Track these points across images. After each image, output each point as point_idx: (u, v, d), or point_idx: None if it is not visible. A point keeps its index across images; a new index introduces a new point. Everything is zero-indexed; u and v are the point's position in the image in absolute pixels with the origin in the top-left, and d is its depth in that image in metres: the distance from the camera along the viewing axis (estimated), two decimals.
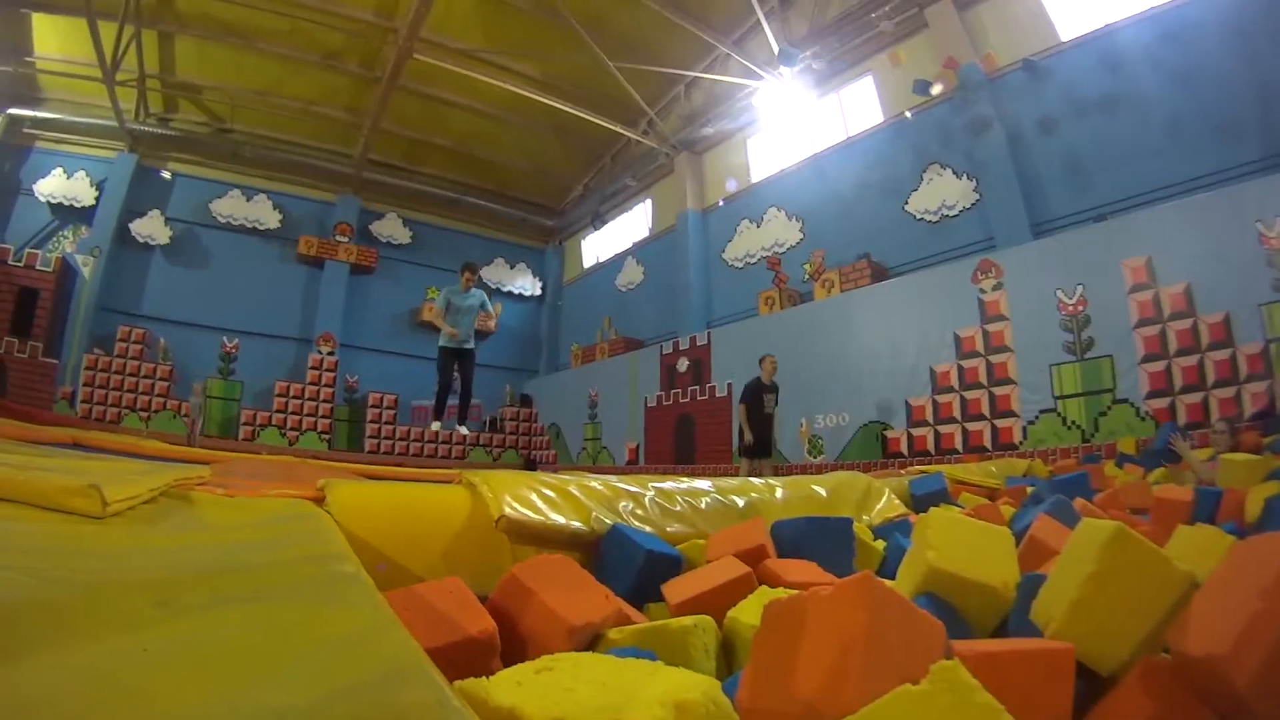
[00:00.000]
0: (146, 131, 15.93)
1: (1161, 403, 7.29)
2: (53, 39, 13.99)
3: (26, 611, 0.75)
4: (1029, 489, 4.69)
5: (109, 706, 0.50)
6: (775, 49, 11.90)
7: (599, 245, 20.03)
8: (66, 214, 15.47)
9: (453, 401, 9.58)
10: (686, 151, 15.97)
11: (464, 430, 10.16)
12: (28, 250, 14.16)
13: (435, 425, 9.52)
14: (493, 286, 20.42)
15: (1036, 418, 8.31)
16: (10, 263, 13.69)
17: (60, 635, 0.66)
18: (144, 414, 14.72)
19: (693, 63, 14.23)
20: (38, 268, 13.96)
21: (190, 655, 0.64)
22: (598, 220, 18.67)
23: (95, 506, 1.27)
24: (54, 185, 15.39)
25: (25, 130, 15.35)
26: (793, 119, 13.57)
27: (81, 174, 15.62)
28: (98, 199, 15.61)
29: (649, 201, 18.05)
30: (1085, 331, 7.97)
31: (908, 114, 11.28)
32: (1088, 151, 9.13)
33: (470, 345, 9.07)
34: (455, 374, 9.12)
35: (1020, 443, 8.38)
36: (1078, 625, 1.23)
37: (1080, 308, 8.04)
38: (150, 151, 16.37)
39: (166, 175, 16.47)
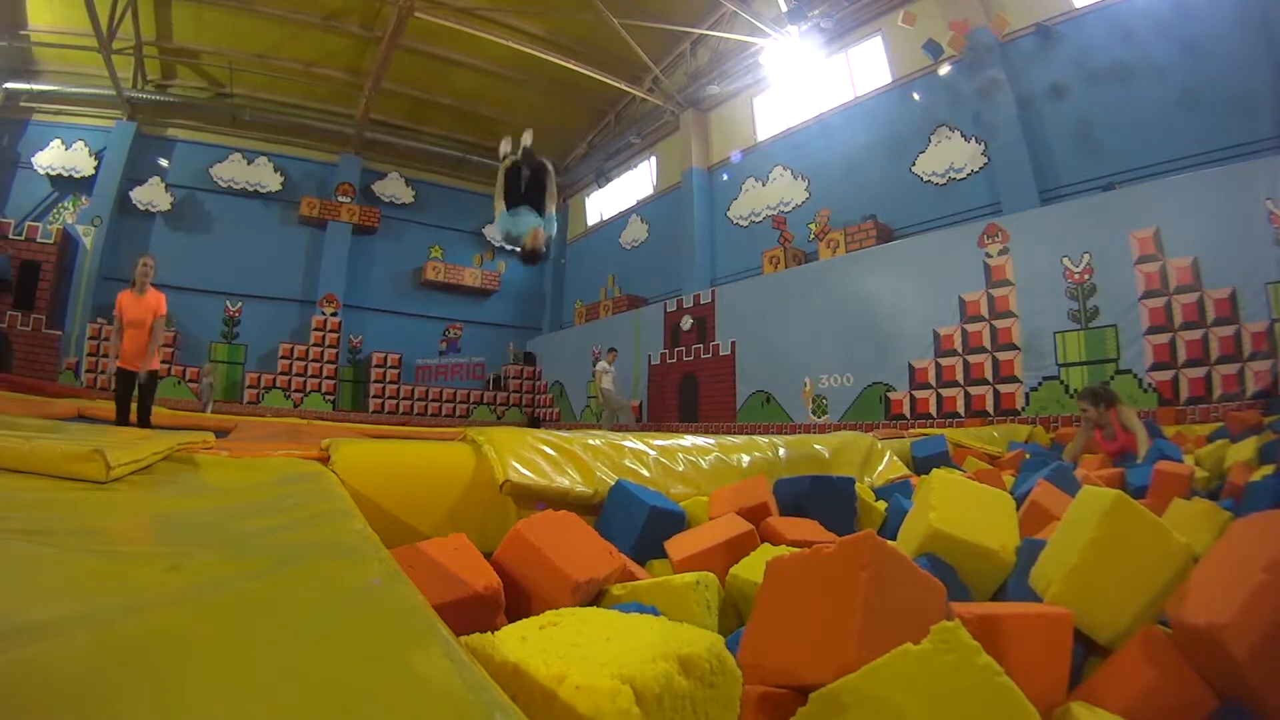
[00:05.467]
0: (145, 99, 15.67)
1: (1164, 375, 7.26)
2: (46, 11, 13.65)
3: (43, 581, 0.76)
4: (1028, 455, 4.71)
5: (128, 671, 0.50)
6: (783, 6, 11.65)
7: (603, 203, 19.83)
8: (66, 185, 15.33)
9: None
10: (692, 109, 15.73)
11: None
12: (28, 223, 14.08)
13: None
14: (496, 245, 20.33)
15: (1039, 384, 8.30)
16: (11, 236, 13.63)
17: (76, 604, 0.67)
18: None
19: (699, 19, 13.91)
20: (39, 240, 13.91)
21: (203, 619, 0.65)
22: (602, 178, 18.48)
23: (99, 471, 1.27)
24: (52, 157, 15.21)
25: (22, 104, 15.12)
26: (800, 78, 13.31)
27: (80, 144, 15.43)
28: (97, 169, 15.44)
29: (653, 159, 17.82)
30: (1090, 300, 7.92)
31: (916, 96, 11.10)
32: (1098, 119, 8.97)
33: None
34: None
35: (1022, 409, 8.38)
36: (1076, 591, 1.24)
37: (1086, 276, 7.97)
38: (149, 119, 16.15)
39: (164, 163, 16.33)
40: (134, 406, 6.34)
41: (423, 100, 17.29)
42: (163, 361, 14.71)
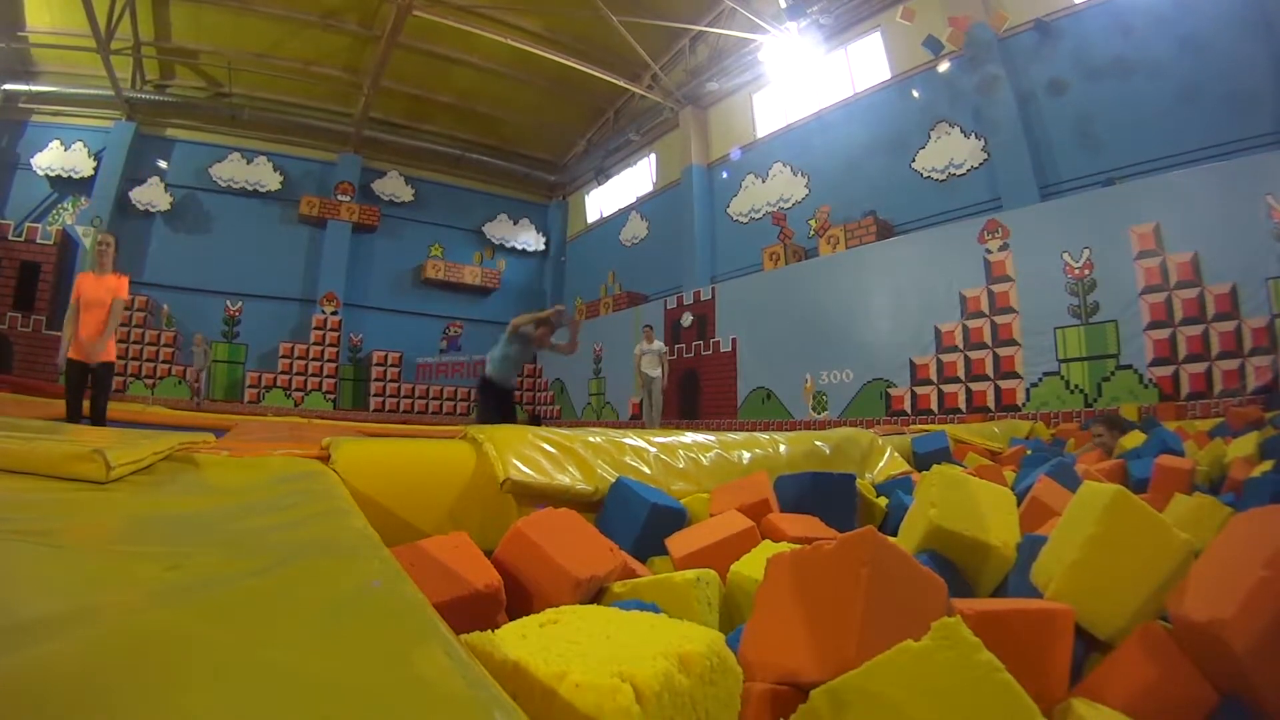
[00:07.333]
0: (143, 99, 15.70)
1: (1165, 371, 7.26)
2: (45, 12, 13.68)
3: (44, 581, 0.76)
4: (1029, 451, 4.71)
5: (128, 672, 0.50)
6: (782, 3, 11.64)
7: (603, 200, 19.87)
8: (65, 186, 15.36)
9: None
10: (691, 106, 15.72)
11: None
12: (28, 224, 14.14)
13: None
14: (496, 242, 20.34)
15: (1040, 380, 8.31)
16: (10, 238, 13.67)
17: (76, 604, 0.67)
18: (149, 381, 14.78)
19: (698, 16, 13.91)
20: (39, 241, 13.99)
21: (204, 619, 0.64)
22: (601, 175, 18.51)
23: (100, 471, 1.27)
24: (51, 158, 15.24)
25: (21, 105, 15.14)
26: (799, 74, 13.30)
27: (79, 145, 15.46)
28: (96, 169, 15.47)
29: (653, 156, 17.84)
30: (1090, 295, 7.92)
31: (915, 94, 11.11)
32: (1098, 115, 8.97)
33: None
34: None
35: (1023, 404, 8.39)
36: (1077, 587, 1.24)
37: (1086, 271, 7.98)
38: (148, 119, 16.19)
39: (163, 163, 16.35)
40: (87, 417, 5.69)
41: (422, 98, 17.28)
42: (163, 362, 14.95)
